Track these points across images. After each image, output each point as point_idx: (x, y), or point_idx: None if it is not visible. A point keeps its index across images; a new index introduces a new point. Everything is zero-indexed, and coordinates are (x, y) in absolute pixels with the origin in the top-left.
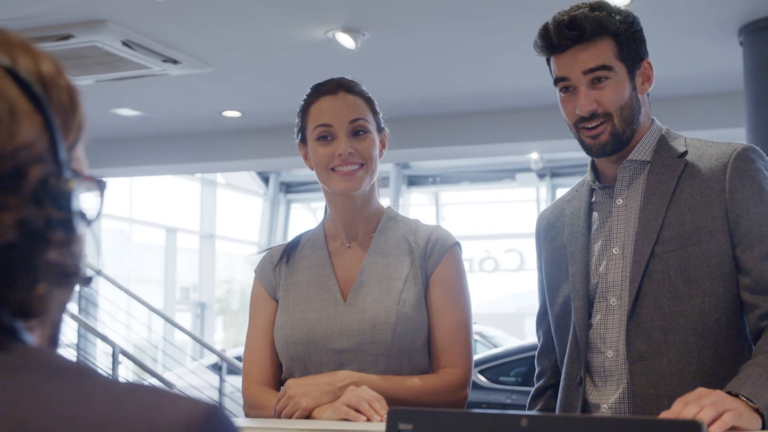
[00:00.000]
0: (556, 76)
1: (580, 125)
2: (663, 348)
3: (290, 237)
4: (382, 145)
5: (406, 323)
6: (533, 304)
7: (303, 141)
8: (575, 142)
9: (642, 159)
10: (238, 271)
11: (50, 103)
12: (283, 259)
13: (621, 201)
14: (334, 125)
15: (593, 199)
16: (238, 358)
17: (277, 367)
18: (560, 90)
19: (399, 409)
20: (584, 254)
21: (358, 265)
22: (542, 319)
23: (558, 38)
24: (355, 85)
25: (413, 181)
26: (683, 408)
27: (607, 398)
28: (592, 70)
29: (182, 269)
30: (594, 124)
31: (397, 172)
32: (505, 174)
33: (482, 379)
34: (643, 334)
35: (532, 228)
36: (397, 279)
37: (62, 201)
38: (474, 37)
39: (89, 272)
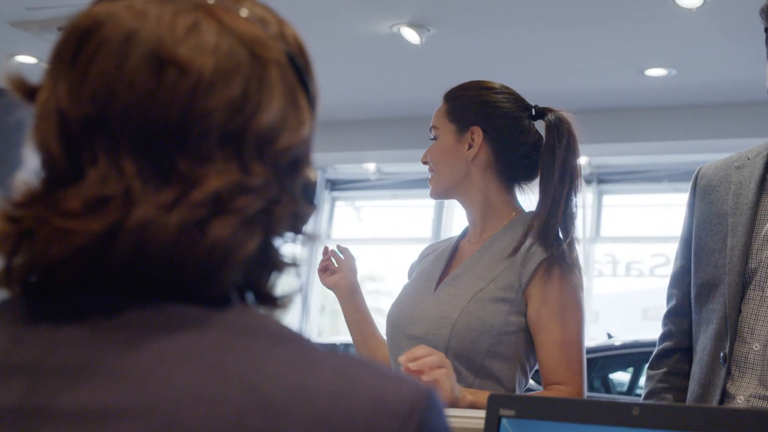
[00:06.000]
0: None
1: None
2: None
3: (334, 235)
4: (468, 145)
5: (467, 321)
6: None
7: None
8: (626, 147)
9: None
10: None
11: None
12: (432, 248)
13: None
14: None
15: None
16: None
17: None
18: None
19: (500, 394)
20: (747, 230)
21: None
22: (681, 279)
23: None
24: (450, 91)
25: None
26: None
27: (744, 390)
28: None
29: None
30: None
31: None
32: None
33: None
34: None
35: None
36: (485, 279)
37: (311, 195)
38: (532, 37)
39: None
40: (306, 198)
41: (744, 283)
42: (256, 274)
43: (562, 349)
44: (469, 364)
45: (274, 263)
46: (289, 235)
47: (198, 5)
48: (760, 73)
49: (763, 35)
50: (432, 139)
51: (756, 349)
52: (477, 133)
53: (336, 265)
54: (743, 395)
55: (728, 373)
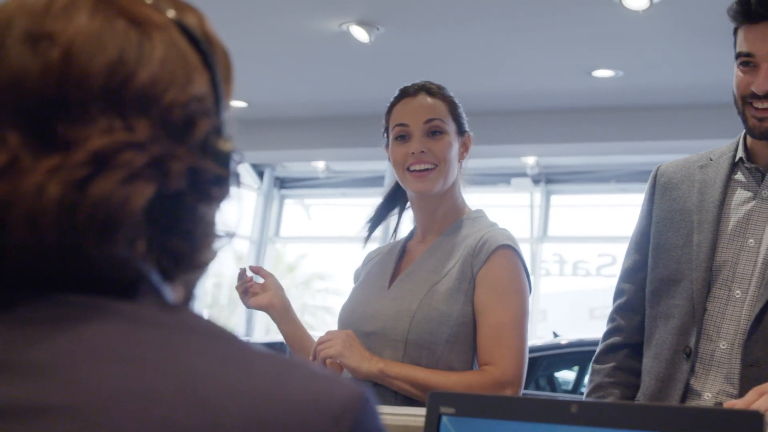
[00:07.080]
0: (739, 51)
1: (749, 100)
2: None
3: (282, 233)
4: (465, 149)
5: (426, 313)
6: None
7: (387, 143)
8: (573, 147)
9: None
10: (226, 265)
11: (215, 62)
12: (377, 252)
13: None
14: (410, 125)
15: (735, 176)
16: None
17: None
18: (740, 64)
19: (440, 392)
20: (713, 227)
21: None
22: (635, 274)
23: (757, 6)
24: (437, 89)
25: None
26: (757, 398)
27: (710, 387)
28: None
29: None
30: (766, 105)
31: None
32: (500, 178)
33: None
34: (763, 340)
35: (525, 233)
36: (438, 272)
37: (222, 159)
38: (481, 37)
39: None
40: (218, 162)
41: (709, 280)
42: (166, 240)
43: (497, 330)
44: (429, 355)
45: (186, 227)
46: (212, 200)
47: None
48: (706, 76)
49: (706, 38)
50: (438, 133)
51: (723, 347)
52: (470, 139)
53: (256, 286)
54: (711, 392)
55: (691, 369)
